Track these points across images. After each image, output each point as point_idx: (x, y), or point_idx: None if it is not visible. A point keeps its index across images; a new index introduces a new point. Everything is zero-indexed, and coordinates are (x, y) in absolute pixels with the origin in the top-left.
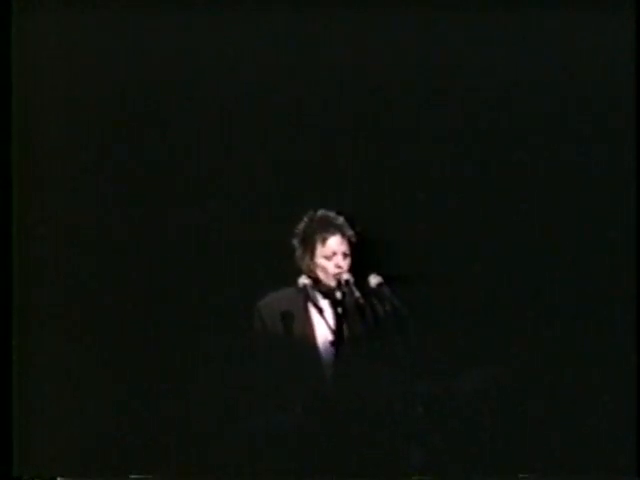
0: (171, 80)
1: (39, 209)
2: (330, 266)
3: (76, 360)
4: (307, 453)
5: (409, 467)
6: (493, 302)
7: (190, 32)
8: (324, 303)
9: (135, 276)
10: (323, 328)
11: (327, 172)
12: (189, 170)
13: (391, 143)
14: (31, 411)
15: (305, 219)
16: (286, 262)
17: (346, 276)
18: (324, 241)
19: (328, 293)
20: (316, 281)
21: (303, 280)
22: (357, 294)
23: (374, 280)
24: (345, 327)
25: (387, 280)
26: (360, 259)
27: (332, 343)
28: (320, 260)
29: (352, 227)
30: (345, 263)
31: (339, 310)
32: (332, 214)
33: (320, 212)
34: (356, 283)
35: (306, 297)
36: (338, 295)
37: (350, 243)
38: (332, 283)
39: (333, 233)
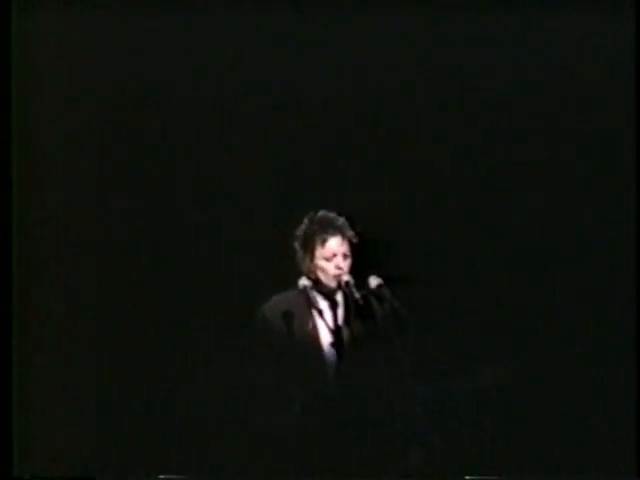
0: (171, 80)
1: (39, 209)
2: (330, 267)
3: (76, 360)
4: (307, 453)
5: (409, 467)
6: (493, 302)
7: (190, 32)
8: (324, 304)
9: (135, 276)
10: (323, 329)
11: (328, 172)
12: (189, 170)
13: (391, 143)
14: (31, 411)
15: (305, 220)
16: (287, 263)
17: (346, 277)
18: (324, 242)
19: (328, 294)
20: (316, 282)
21: (303, 281)
22: (357, 295)
23: (374, 281)
24: (345, 328)
25: (387, 281)
26: (360, 260)
27: (332, 344)
28: (320, 261)
29: (352, 228)
30: (345, 264)
31: (339, 311)
32: (332, 215)
33: (320, 213)
34: (356, 284)
35: (307, 298)
36: (338, 297)
37: (351, 244)
38: (332, 284)
39: (333, 234)
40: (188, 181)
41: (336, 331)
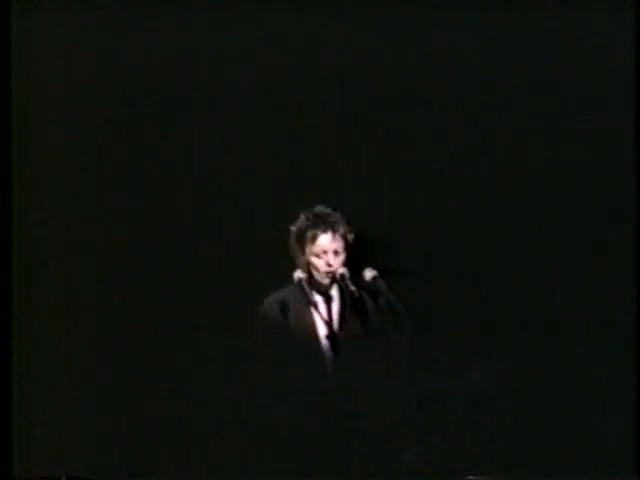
0: (171, 80)
1: (39, 209)
2: (321, 264)
3: (76, 360)
4: (307, 453)
5: (402, 464)
6: (491, 300)
7: (190, 32)
8: (319, 298)
9: (135, 276)
10: (319, 322)
11: (327, 172)
12: (189, 170)
13: (391, 143)
14: (31, 411)
15: (301, 216)
16: (287, 263)
17: (341, 270)
18: (314, 239)
19: (322, 289)
20: (310, 277)
21: (298, 274)
22: (352, 288)
23: (369, 274)
24: (341, 322)
25: (382, 274)
26: (359, 258)
27: (327, 337)
28: (311, 258)
29: (348, 224)
30: (337, 261)
31: (334, 306)
32: (327, 211)
33: (316, 208)
34: (351, 277)
35: (302, 291)
36: (333, 291)
37: (345, 240)
38: (325, 280)
39: (324, 231)
40: (188, 180)
41: (331, 324)
